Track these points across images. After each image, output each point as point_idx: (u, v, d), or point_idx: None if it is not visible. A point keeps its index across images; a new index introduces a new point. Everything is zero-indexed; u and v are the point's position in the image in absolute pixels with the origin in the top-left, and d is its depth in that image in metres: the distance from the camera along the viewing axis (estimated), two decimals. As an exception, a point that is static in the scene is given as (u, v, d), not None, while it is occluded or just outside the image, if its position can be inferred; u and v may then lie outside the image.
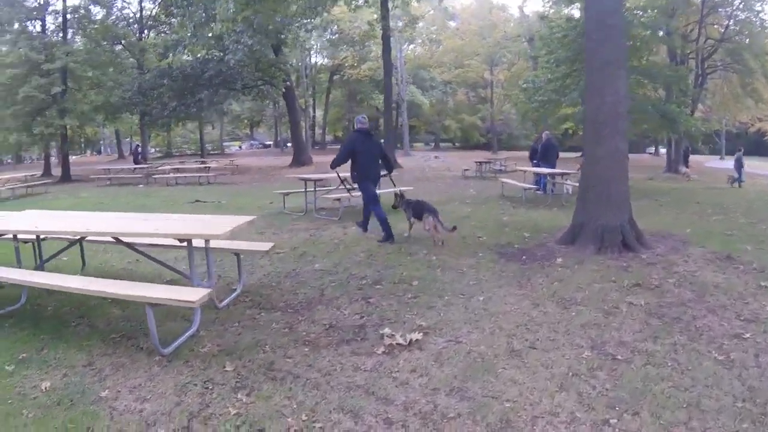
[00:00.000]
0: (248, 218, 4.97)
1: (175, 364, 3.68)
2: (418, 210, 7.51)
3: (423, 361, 3.65)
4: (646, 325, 4.17)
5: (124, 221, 5.47)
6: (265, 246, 5.59)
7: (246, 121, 63.47)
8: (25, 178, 19.41)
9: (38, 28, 24.34)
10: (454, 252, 6.76)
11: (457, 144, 56.66)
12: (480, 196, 13.02)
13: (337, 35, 41.41)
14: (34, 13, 23.31)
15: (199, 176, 20.12)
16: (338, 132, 62.97)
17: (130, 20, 29.85)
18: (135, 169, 23.53)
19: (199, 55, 24.56)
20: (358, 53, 41.46)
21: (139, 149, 30.74)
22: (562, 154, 16.07)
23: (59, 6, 23.58)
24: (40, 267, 5.69)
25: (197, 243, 4.65)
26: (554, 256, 6.38)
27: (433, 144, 56.46)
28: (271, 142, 63.29)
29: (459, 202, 11.81)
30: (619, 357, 3.60)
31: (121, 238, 4.82)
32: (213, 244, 5.12)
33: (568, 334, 4.04)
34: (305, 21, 22.87)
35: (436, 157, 32.52)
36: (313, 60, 53.32)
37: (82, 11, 25.43)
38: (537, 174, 12.78)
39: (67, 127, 22.48)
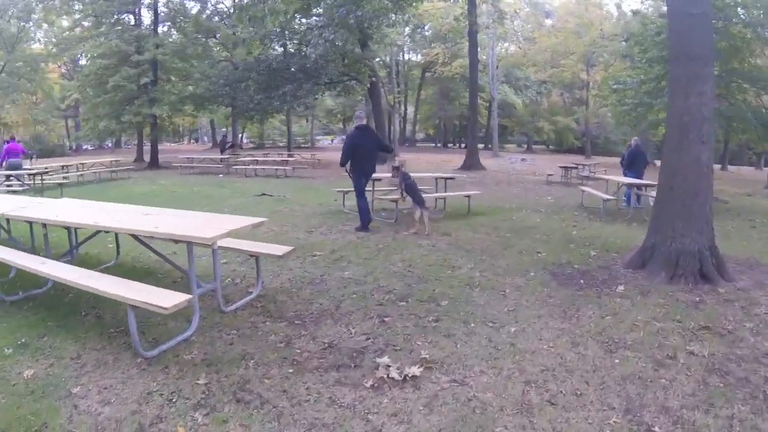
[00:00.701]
0: (255, 220, 4.66)
1: (153, 369, 3.51)
2: (411, 192, 7.94)
3: (410, 404, 3.07)
4: (703, 385, 3.29)
5: (131, 216, 5.21)
6: (280, 250, 5.19)
7: (339, 116, 64.34)
8: (110, 163, 20.46)
9: (132, 21, 25.55)
10: (503, 268, 6.05)
11: (550, 147, 54.27)
12: (556, 204, 11.97)
13: (429, 31, 40.78)
14: (129, 6, 24.48)
15: (276, 169, 20.28)
16: (430, 130, 62.43)
17: (224, 15, 30.74)
18: (221, 159, 24.30)
19: (282, 49, 24.94)
20: (450, 50, 40.58)
21: (227, 139, 31.87)
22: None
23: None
24: (69, 254, 5.74)
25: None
26: (616, 282, 5.50)
27: (525, 146, 54.44)
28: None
29: (531, 210, 10.88)
30: (656, 429, 2.80)
31: (127, 233, 4.59)
32: (224, 243, 5.01)
33: (602, 388, 3.26)
34: (391, 16, 22.47)
35: (523, 159, 31.12)
36: (406, 56, 53.45)
37: (176, 6, 26.42)
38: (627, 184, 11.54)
39: (156, 115, 23.44)
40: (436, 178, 11.05)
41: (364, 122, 8.69)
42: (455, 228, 8.49)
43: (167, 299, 3.56)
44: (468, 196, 10.40)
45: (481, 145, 50.81)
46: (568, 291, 5.21)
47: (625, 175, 12.23)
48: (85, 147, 53.31)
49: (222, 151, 28.21)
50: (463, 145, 53.74)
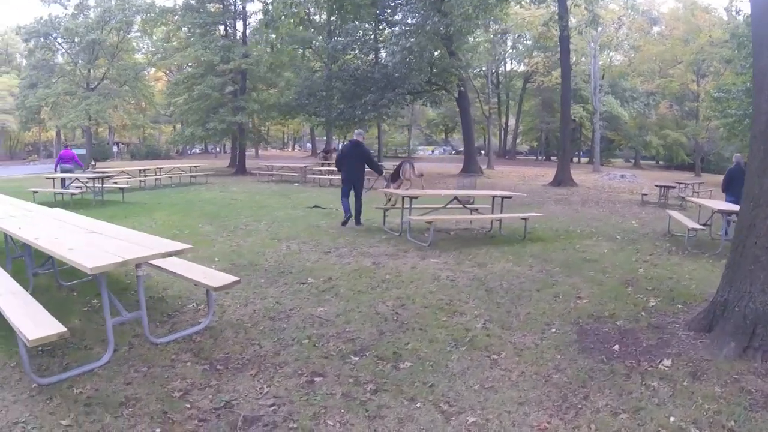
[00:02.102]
0: (173, 248, 4.10)
1: (39, 398, 3.22)
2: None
3: None
4: None
5: (67, 234, 4.76)
6: (219, 281, 4.37)
7: (441, 126, 63.51)
8: (190, 168, 20.87)
9: (223, 32, 26.20)
10: (519, 319, 4.72)
11: (660, 162, 49.80)
12: (638, 230, 10.10)
13: (530, 40, 38.75)
14: (218, 18, 25.10)
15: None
16: (533, 142, 59.80)
17: (318, 25, 30.78)
18: (322, 164, 24.27)
19: (365, 57, 24.44)
20: (550, 59, 38.26)
21: (330, 147, 32.15)
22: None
23: (251, 8, 25.10)
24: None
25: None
26: (665, 351, 3.98)
27: (633, 161, 50.31)
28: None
29: (603, 237, 9.20)
30: None
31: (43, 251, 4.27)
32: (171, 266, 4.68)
33: None
34: (476, 22, 21.24)
35: (622, 176, 28.25)
36: (508, 66, 51.49)
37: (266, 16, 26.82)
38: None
39: (241, 123, 23.77)
40: (493, 197, 9.67)
41: (358, 139, 9.96)
42: (496, 257, 7.22)
43: (36, 330, 3.15)
44: (525, 219, 8.96)
45: (585, 159, 47.86)
46: (587, 362, 3.79)
47: (726, 198, 10.11)
48: (193, 151, 56.71)
49: (325, 159, 28.50)
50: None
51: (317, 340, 4.16)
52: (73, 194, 12.76)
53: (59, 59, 31.39)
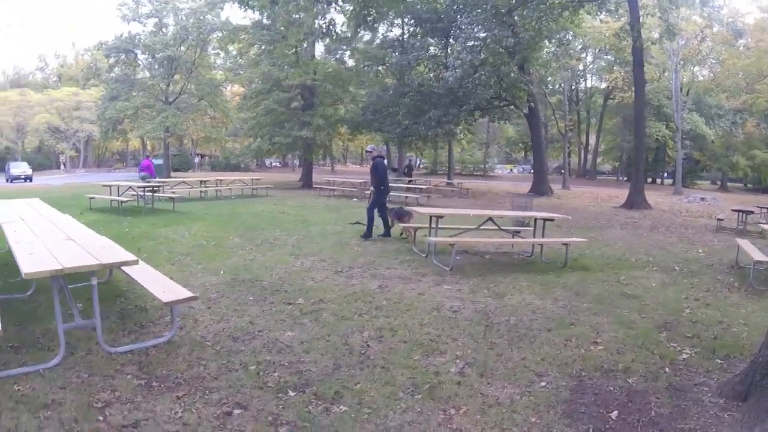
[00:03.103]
0: (123, 259, 4.12)
1: None
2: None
3: None
4: None
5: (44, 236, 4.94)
6: (174, 295, 4.26)
7: (520, 144, 61.83)
8: (252, 180, 21.13)
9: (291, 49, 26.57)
10: (508, 364, 4.00)
11: (748, 185, 45.70)
12: (702, 261, 8.82)
13: (610, 55, 36.85)
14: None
15: (407, 197, 19.13)
16: (615, 162, 56.84)
17: (394, 43, 30.68)
18: (409, 181, 24.28)
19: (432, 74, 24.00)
20: (630, 74, 36.04)
21: (412, 163, 31.87)
22: None
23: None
24: None
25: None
26: (679, 425, 3.14)
27: (719, 183, 46.53)
28: (550, 168, 60.05)
29: (658, 268, 8.09)
30: None
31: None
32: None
33: None
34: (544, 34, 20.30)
35: (702, 198, 25.89)
36: (588, 83, 49.38)
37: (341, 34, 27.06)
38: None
39: (306, 137, 23.93)
40: (535, 219, 8.84)
41: (374, 153, 10.32)
42: (521, 287, 6.43)
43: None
44: (566, 245, 8.08)
45: (669, 181, 44.68)
46: None
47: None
48: (273, 164, 58.47)
49: (406, 175, 28.48)
50: (649, 180, 47.96)
51: (264, 369, 3.83)
52: (123, 201, 13.03)
53: (140, 74, 33.19)
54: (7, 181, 32.85)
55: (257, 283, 6.29)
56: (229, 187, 19.98)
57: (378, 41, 31.94)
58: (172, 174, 32.66)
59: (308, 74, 23.46)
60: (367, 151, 10.14)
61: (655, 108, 36.65)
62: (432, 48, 27.46)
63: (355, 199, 19.88)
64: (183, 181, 18.70)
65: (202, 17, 28.54)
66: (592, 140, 52.44)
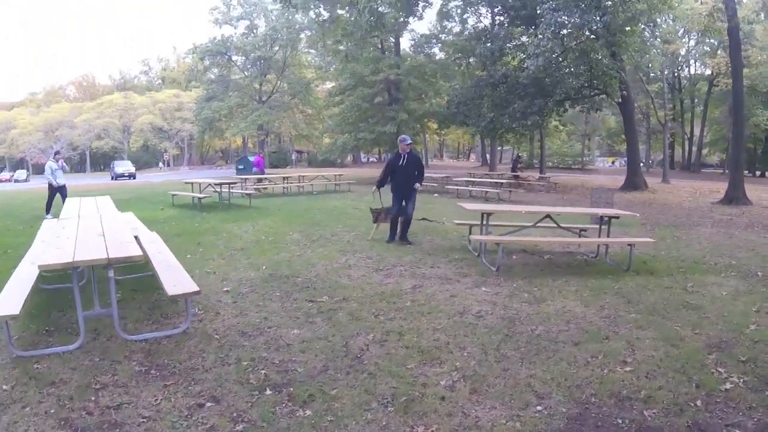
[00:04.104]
0: (129, 254, 4.24)
1: (9, 366, 3.67)
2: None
3: None
4: None
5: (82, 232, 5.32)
6: (176, 289, 4.34)
7: (622, 136, 58.32)
8: (335, 176, 21.46)
9: (379, 46, 26.62)
10: (512, 383, 3.63)
11: None
12: None
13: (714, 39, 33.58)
14: (374, 33, 25.50)
15: (486, 192, 18.58)
16: (723, 153, 51.99)
17: (486, 34, 29.87)
18: (516, 176, 24.24)
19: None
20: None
21: (520, 158, 31.35)
22: None
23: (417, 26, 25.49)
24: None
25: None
26: None
27: None
28: (652, 160, 56.24)
29: (739, 274, 7.05)
30: None
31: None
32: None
33: None
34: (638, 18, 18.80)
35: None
36: (692, 69, 45.53)
37: (429, 31, 26.82)
38: None
39: (391, 133, 23.94)
40: (601, 216, 8.17)
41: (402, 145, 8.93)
42: (568, 291, 5.93)
43: None
44: (631, 246, 7.37)
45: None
46: None
47: None
48: (371, 159, 59.32)
49: (513, 170, 28.10)
50: (758, 173, 43.46)
51: (254, 365, 3.84)
52: (200, 198, 13.64)
53: (235, 75, 34.78)
54: (111, 178, 35.65)
55: (291, 280, 6.30)
56: (311, 183, 20.39)
57: (467, 33, 31.28)
58: (269, 170, 34.03)
59: (392, 69, 23.40)
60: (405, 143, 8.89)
61: (764, 95, 33.00)
62: (518, 37, 26.45)
63: (436, 195, 19.62)
64: (265, 177, 19.35)
65: (291, 17, 29.32)
66: (697, 131, 48.26)
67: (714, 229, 11.57)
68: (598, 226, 8.30)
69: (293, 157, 54.81)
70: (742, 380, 3.67)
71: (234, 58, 33.28)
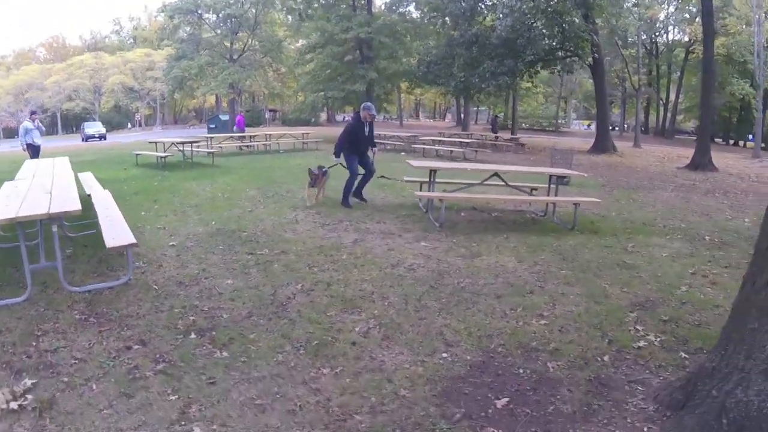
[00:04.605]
0: (65, 209, 4.27)
1: None
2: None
3: None
4: None
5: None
6: (114, 242, 4.44)
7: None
8: (302, 135, 21.33)
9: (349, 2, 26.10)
10: (424, 331, 3.84)
11: None
12: (743, 233, 7.76)
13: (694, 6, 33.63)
14: None
15: (452, 151, 18.69)
16: (697, 120, 52.66)
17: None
18: (495, 137, 24.45)
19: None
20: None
21: (497, 119, 31.48)
22: None
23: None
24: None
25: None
26: (575, 429, 2.73)
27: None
28: (627, 125, 56.63)
29: (685, 237, 7.27)
30: None
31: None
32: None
33: None
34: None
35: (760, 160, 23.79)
36: (671, 36, 45.65)
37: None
38: None
39: (360, 91, 23.73)
40: (550, 176, 8.32)
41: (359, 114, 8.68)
42: (506, 248, 6.06)
43: None
44: (576, 204, 7.56)
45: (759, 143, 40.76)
46: (426, 410, 2.77)
47: None
48: (347, 119, 58.69)
49: (494, 131, 28.15)
50: (731, 142, 44.24)
51: (184, 312, 4.01)
52: (162, 157, 13.52)
53: (206, 34, 33.93)
54: (82, 140, 34.94)
55: (236, 234, 6.40)
56: (277, 141, 20.26)
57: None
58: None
59: (362, 27, 23.03)
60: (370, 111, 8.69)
61: (740, 64, 33.35)
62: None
63: (403, 153, 19.66)
64: (230, 137, 19.17)
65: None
66: (673, 97, 48.67)
67: (673, 194, 11.84)
68: (547, 186, 8.47)
69: (267, 116, 54.10)
70: (658, 339, 3.73)
71: (205, 15, 32.34)
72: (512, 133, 32.16)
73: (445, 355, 3.39)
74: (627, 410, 2.86)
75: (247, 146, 19.83)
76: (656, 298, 4.59)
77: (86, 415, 2.65)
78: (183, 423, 2.61)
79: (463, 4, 23.11)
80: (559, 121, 55.64)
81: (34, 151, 12.73)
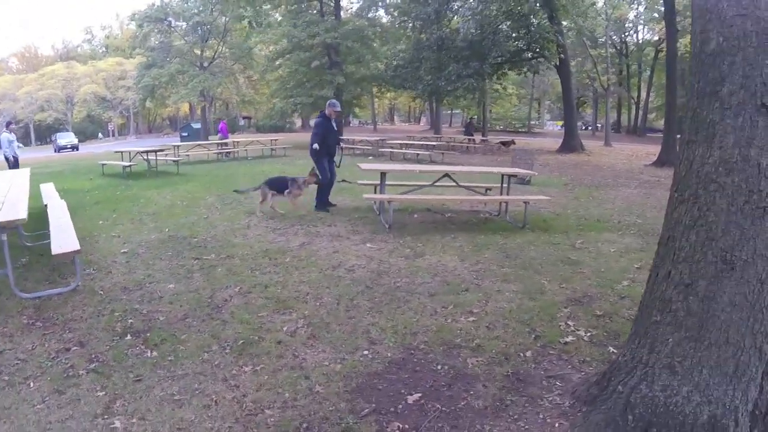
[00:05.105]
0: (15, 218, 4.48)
1: None
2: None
3: None
4: None
5: None
6: (60, 249, 4.48)
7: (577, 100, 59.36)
8: (270, 141, 21.41)
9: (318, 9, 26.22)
10: (350, 330, 3.98)
11: None
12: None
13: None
14: None
15: (418, 154, 18.89)
16: (661, 119, 53.71)
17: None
18: (469, 140, 24.75)
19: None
20: (679, 24, 33.51)
21: (473, 122, 31.79)
22: None
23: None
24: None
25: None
26: (485, 424, 2.76)
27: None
28: (600, 125, 57.37)
29: (639, 232, 7.38)
30: None
31: None
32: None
33: None
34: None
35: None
36: (641, 35, 46.59)
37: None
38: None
39: (326, 97, 23.82)
40: (502, 175, 8.50)
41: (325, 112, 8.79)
42: (451, 247, 6.20)
43: None
44: (526, 203, 7.76)
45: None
46: (337, 406, 2.87)
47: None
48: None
49: (467, 134, 28.41)
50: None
51: (124, 316, 4.13)
52: (126, 166, 13.54)
53: (177, 42, 33.83)
54: (55, 151, 34.56)
55: (187, 240, 6.49)
56: (245, 148, 20.29)
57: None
58: (213, 137, 33.43)
59: (329, 33, 23.16)
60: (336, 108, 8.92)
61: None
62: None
63: (370, 157, 19.81)
64: (199, 144, 19.16)
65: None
66: (645, 95, 49.62)
67: (636, 190, 11.99)
68: (500, 185, 8.65)
69: (241, 123, 53.94)
70: (588, 334, 3.74)
71: (175, 24, 32.23)
72: (483, 135, 32.52)
73: (366, 352, 3.49)
74: (541, 405, 2.87)
75: (228, 153, 19.92)
76: (595, 293, 4.62)
77: (20, 410, 2.83)
78: (106, 416, 2.76)
79: (429, 8, 23.36)
80: (533, 122, 56.33)
81: (15, 162, 12.61)
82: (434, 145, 20.29)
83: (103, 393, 3.00)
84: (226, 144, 20.99)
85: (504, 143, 25.20)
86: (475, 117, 52.03)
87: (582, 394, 2.89)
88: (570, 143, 24.24)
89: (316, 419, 2.74)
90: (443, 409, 2.84)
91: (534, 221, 7.73)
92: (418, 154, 18.84)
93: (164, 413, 2.80)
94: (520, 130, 52.75)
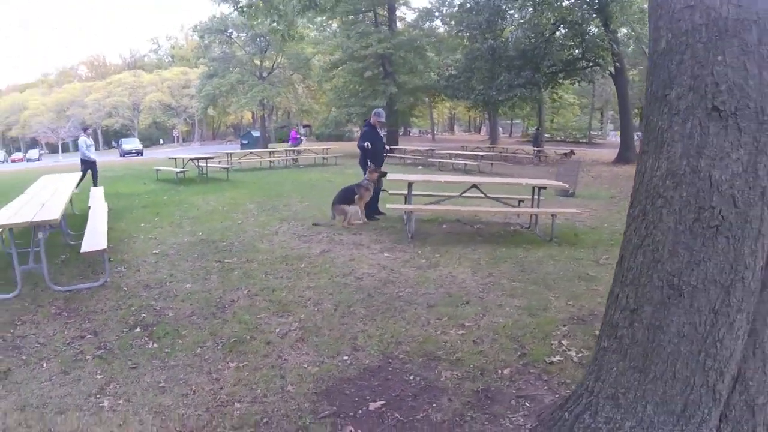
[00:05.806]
0: (44, 218, 4.94)
1: None
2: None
3: None
4: None
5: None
6: (88, 248, 4.92)
7: (635, 110, 57.35)
8: (323, 150, 22.00)
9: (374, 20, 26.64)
10: (337, 336, 4.11)
11: None
12: None
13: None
14: (361, 5, 25.44)
15: (466, 164, 18.88)
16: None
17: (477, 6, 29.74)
18: (538, 151, 24.79)
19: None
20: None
21: (540, 132, 31.68)
22: None
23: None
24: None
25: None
26: None
27: None
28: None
29: None
30: None
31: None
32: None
33: None
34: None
35: None
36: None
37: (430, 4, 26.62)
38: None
39: (380, 107, 24.23)
40: (533, 187, 8.42)
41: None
42: (469, 259, 6.15)
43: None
44: (554, 216, 7.65)
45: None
46: (300, 405, 3.00)
47: None
48: (383, 132, 59.36)
49: (536, 144, 28.47)
50: None
51: (139, 310, 4.49)
52: (179, 172, 14.29)
53: (238, 52, 35.15)
54: (120, 156, 36.51)
55: (215, 244, 6.86)
56: (294, 157, 20.90)
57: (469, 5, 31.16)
58: (272, 145, 34.46)
59: (381, 43, 23.53)
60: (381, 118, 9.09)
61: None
62: (506, 9, 26.25)
63: (420, 167, 19.94)
64: (251, 152, 19.91)
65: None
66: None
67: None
68: (530, 197, 8.57)
69: (302, 131, 55.27)
70: (579, 355, 3.57)
71: (235, 35, 33.61)
72: (537, 146, 31.91)
73: (346, 358, 3.58)
74: (501, 425, 2.78)
75: (294, 160, 21.08)
76: (602, 311, 4.31)
77: (29, 385, 3.24)
78: (98, 396, 3.11)
79: (481, 18, 23.32)
80: (594, 132, 54.64)
81: (93, 164, 13.45)
82: (482, 156, 20.16)
83: (101, 376, 3.34)
84: (298, 151, 22.09)
85: (565, 154, 24.80)
86: (538, 127, 51.12)
87: (546, 417, 2.71)
88: (625, 154, 23.45)
89: (277, 416, 2.91)
90: (401, 418, 2.86)
91: (564, 235, 7.56)
92: (466, 164, 18.80)
93: (147, 397, 3.09)
94: (580, 140, 51.28)
